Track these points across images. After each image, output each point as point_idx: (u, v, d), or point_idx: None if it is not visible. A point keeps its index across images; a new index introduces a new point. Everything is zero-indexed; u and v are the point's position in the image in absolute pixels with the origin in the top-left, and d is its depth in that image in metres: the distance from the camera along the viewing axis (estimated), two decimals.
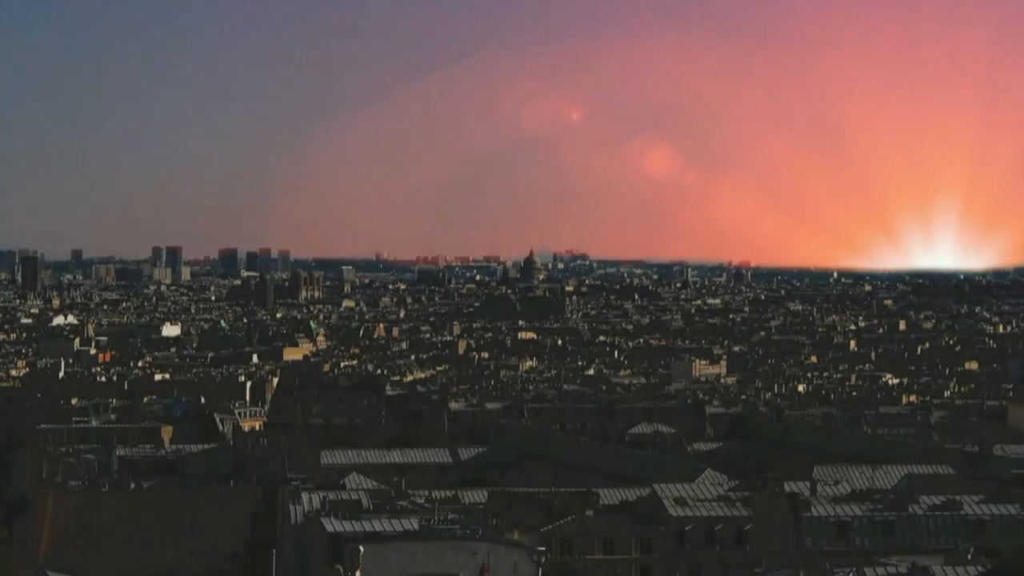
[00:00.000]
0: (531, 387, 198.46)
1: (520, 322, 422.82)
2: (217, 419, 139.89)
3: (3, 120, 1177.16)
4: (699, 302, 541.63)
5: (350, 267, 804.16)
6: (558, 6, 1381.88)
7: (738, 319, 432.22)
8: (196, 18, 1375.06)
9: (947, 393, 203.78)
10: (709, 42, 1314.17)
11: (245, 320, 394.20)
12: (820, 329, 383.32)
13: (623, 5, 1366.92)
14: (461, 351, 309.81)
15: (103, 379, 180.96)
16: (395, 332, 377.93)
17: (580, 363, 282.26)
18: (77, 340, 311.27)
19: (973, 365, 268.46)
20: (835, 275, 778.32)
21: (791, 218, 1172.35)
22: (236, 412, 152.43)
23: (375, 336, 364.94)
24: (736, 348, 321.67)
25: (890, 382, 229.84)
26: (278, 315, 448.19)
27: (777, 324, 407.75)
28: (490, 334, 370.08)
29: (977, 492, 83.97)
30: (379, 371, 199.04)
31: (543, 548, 69.29)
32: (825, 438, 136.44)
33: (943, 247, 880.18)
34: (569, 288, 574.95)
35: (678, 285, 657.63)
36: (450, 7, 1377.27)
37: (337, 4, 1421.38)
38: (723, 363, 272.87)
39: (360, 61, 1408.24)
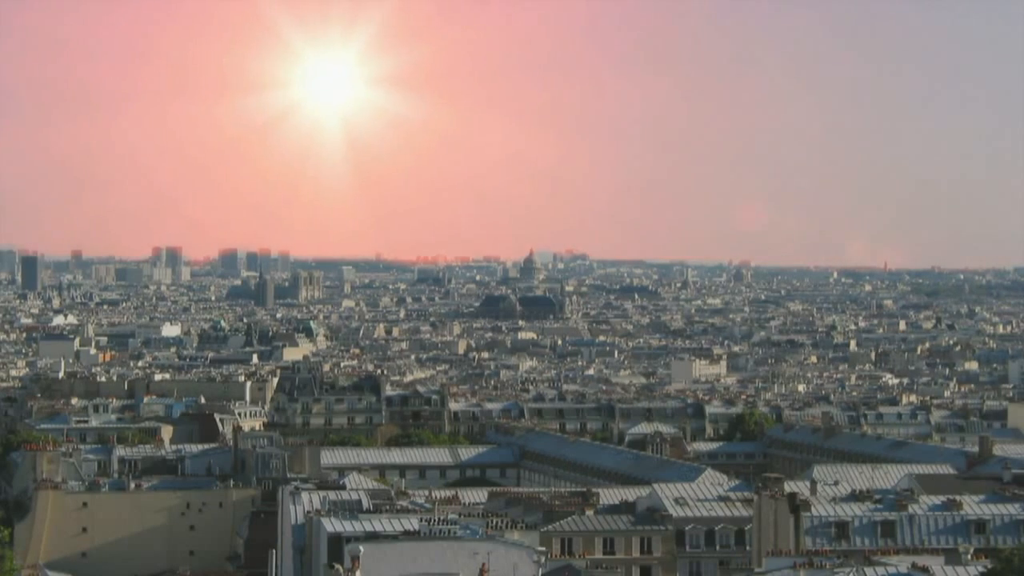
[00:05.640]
0: (531, 387, 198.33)
1: (520, 322, 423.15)
2: (217, 419, 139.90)
3: (3, 120, 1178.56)
4: (699, 302, 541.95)
5: (350, 267, 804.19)
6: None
7: (738, 319, 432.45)
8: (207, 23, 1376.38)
9: (947, 393, 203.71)
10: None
11: (245, 320, 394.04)
12: (820, 329, 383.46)
13: None
14: (461, 351, 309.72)
15: (103, 379, 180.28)
16: (395, 332, 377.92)
17: (580, 363, 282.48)
18: (77, 340, 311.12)
19: (973, 365, 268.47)
20: (835, 275, 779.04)
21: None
22: (236, 412, 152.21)
23: (375, 336, 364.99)
24: (736, 348, 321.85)
25: (890, 382, 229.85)
26: (278, 315, 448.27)
27: (777, 324, 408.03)
28: (490, 334, 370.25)
29: (977, 492, 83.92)
30: (379, 371, 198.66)
31: (543, 548, 69.30)
32: (825, 438, 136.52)
33: None
34: (569, 288, 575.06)
35: (678, 285, 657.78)
36: None
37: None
38: (723, 363, 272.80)
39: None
